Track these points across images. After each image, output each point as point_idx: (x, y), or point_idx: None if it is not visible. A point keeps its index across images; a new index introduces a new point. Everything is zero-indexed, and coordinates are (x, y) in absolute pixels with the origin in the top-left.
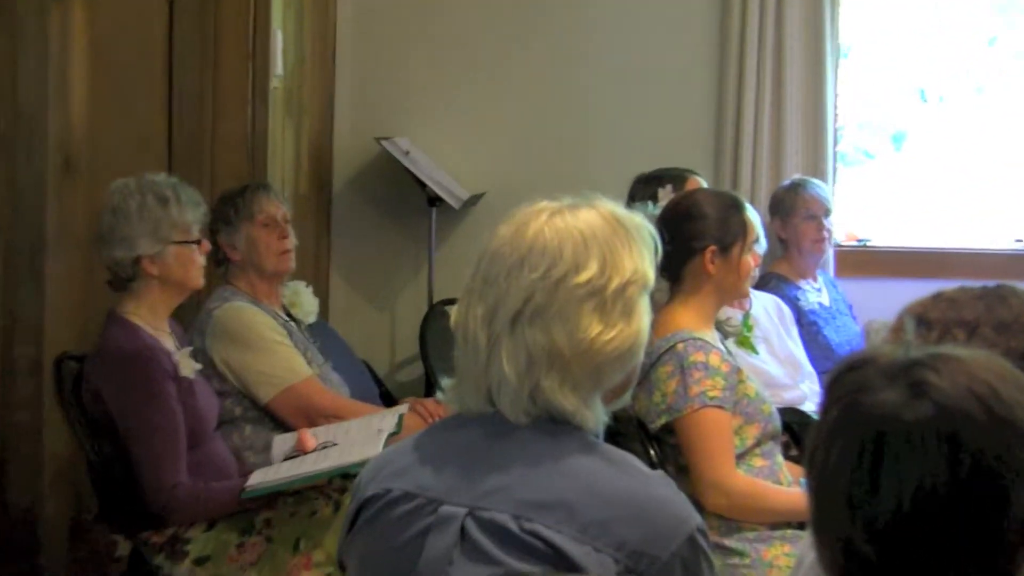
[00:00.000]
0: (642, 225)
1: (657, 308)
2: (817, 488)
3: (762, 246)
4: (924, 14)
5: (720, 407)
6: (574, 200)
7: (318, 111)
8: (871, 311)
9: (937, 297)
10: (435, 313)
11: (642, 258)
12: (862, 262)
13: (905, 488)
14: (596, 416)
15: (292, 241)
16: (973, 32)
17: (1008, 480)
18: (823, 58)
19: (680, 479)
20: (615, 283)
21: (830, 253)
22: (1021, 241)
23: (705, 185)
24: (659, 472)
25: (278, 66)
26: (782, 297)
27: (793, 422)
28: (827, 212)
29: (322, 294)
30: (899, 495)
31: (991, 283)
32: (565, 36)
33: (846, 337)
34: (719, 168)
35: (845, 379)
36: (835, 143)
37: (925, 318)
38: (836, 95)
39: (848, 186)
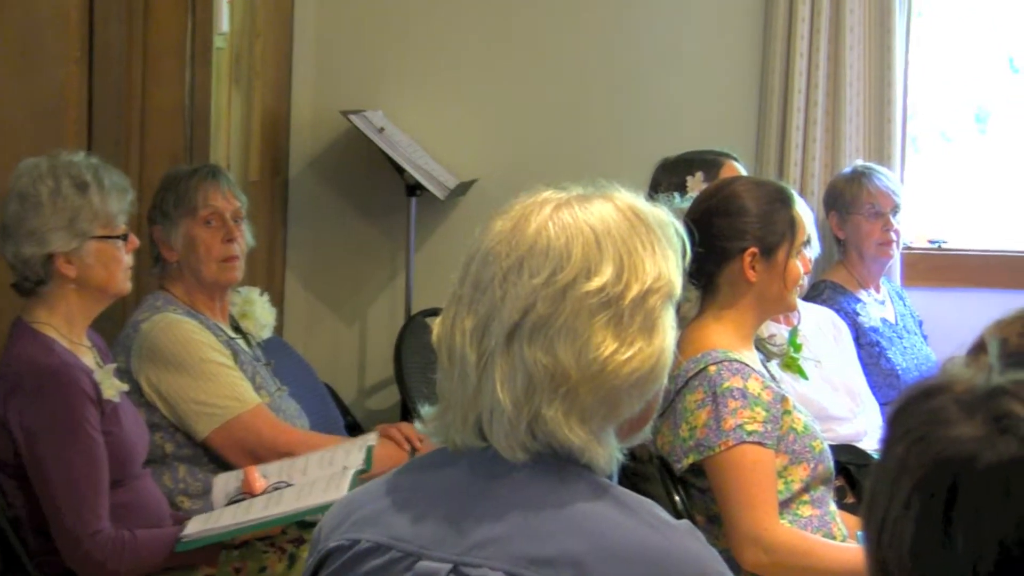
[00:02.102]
0: (668, 222)
1: (686, 323)
2: (877, 543)
3: (815, 249)
4: None
5: (761, 444)
6: (585, 190)
7: (272, 77)
8: (947, 329)
9: None
10: (414, 326)
11: (667, 261)
12: (937, 269)
13: (986, 544)
14: (609, 453)
15: (242, 246)
16: None
17: None
18: (891, 19)
19: (712, 531)
20: (634, 291)
21: (897, 258)
22: None
23: (744, 173)
24: (685, 522)
25: (223, 21)
26: (838, 311)
27: (850, 463)
28: (895, 208)
29: (275, 303)
30: (978, 552)
31: None
32: None
33: (915, 360)
34: (762, 153)
35: (913, 410)
36: (905, 123)
37: (1019, 355)
38: (907, 65)
39: (921, 176)
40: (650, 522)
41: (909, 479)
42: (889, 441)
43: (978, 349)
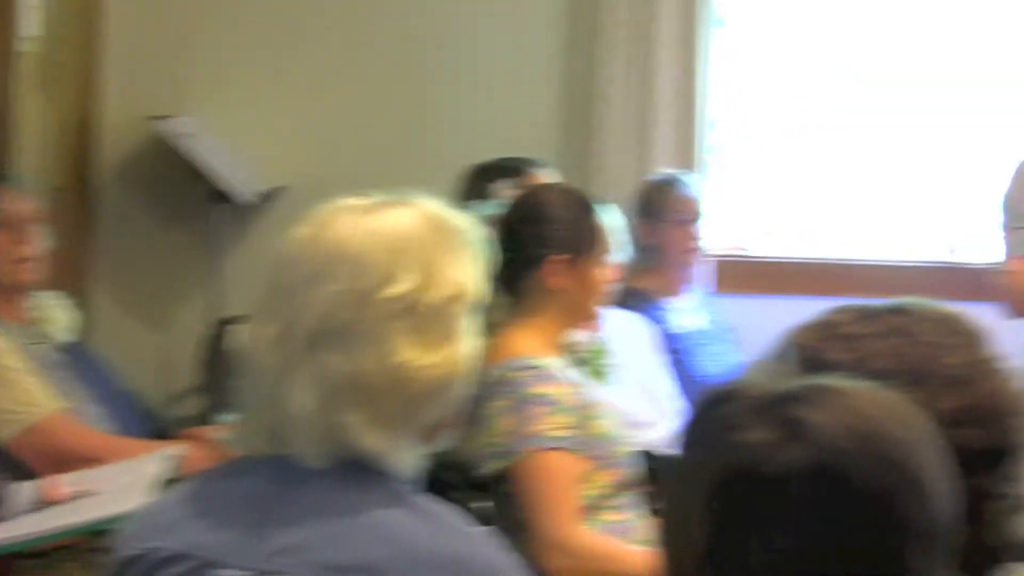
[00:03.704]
0: (471, 229)
1: (494, 329)
2: (672, 546)
3: (623, 255)
4: None
5: (564, 450)
6: (387, 198)
7: (80, 83)
8: (756, 335)
9: (828, 329)
10: (221, 333)
11: (469, 269)
12: (747, 276)
13: (776, 544)
14: (410, 459)
15: (35, 248)
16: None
17: (898, 534)
18: (695, 27)
19: (518, 537)
20: (434, 298)
21: (707, 265)
22: (954, 252)
23: (552, 180)
24: (485, 529)
25: (28, 25)
26: (646, 317)
27: (658, 468)
28: (701, 215)
29: (82, 309)
30: (769, 552)
31: (893, 303)
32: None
33: (723, 367)
34: (570, 160)
35: (707, 415)
36: (708, 131)
37: (818, 360)
38: (711, 74)
39: (730, 184)
40: (449, 529)
41: (703, 483)
42: (685, 446)
43: (778, 355)
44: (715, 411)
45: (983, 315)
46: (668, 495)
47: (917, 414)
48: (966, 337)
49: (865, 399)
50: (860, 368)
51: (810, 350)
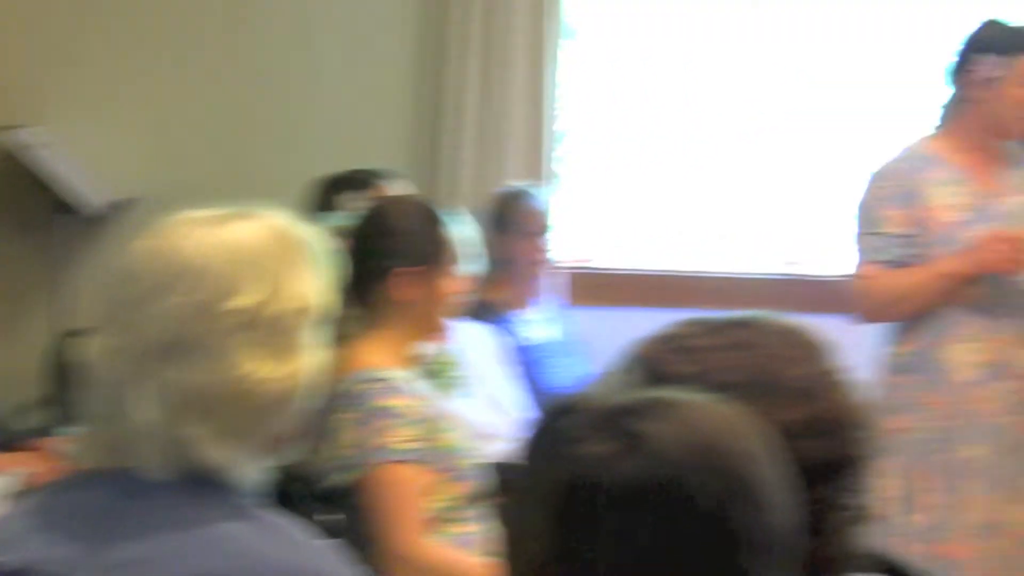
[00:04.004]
0: (317, 241)
1: (343, 342)
2: (514, 559)
3: (473, 267)
4: None
5: (411, 462)
6: (232, 210)
7: None
8: (608, 347)
9: (672, 342)
10: (67, 345)
11: (313, 281)
12: (597, 288)
13: (615, 556)
14: (254, 472)
15: None
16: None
17: (735, 546)
18: (543, 37)
19: (365, 550)
20: (277, 311)
21: (559, 278)
22: (793, 264)
23: (401, 192)
24: (331, 542)
25: None
26: (495, 329)
27: (508, 479)
28: (551, 228)
29: None
30: (609, 564)
31: (737, 316)
32: (243, 10)
33: (574, 379)
34: (421, 172)
35: (548, 428)
36: (558, 144)
37: (662, 373)
38: (558, 87)
39: (579, 196)
40: (292, 542)
41: (543, 496)
42: (526, 458)
43: (622, 368)
44: (555, 424)
45: (828, 327)
46: (509, 507)
47: (756, 427)
48: (809, 350)
49: (704, 412)
50: (704, 381)
51: (654, 363)
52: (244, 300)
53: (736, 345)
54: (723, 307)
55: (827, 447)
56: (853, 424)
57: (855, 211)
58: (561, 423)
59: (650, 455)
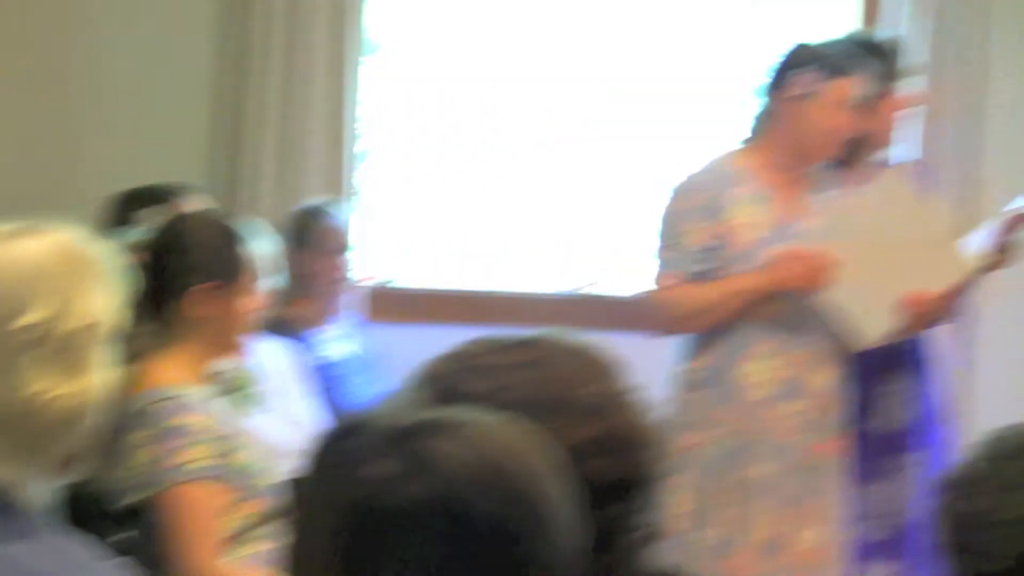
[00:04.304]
0: (109, 257)
1: (137, 359)
2: None
3: (272, 284)
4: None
5: (205, 481)
6: (18, 226)
7: None
8: (407, 365)
9: (463, 360)
10: None
11: (106, 298)
12: (397, 305)
13: None
14: (42, 491)
15: None
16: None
17: (521, 566)
18: (344, 51)
19: (158, 570)
20: (67, 329)
21: (359, 294)
22: (591, 282)
23: (201, 207)
24: (121, 561)
25: None
26: (294, 346)
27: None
28: (350, 245)
29: None
30: None
31: (528, 335)
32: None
33: (373, 396)
34: (220, 187)
35: (333, 448)
36: (359, 160)
37: (453, 392)
38: (359, 103)
39: (382, 213)
40: (78, 562)
41: (330, 516)
42: (311, 478)
43: (413, 386)
44: (340, 444)
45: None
46: (296, 526)
47: (543, 446)
48: (600, 368)
49: (490, 432)
50: (495, 399)
51: (445, 381)
52: (32, 318)
53: (527, 364)
54: (520, 325)
55: (618, 466)
56: (644, 443)
57: (657, 224)
58: (346, 443)
59: (436, 476)
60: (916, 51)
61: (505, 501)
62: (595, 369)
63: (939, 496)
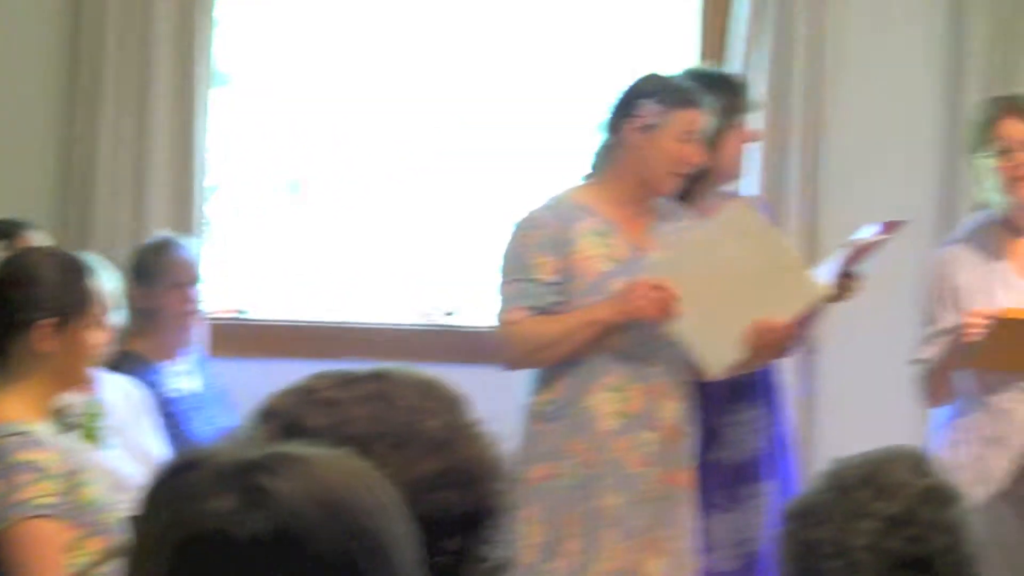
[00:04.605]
0: None
1: None
2: None
3: (118, 319)
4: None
5: (51, 517)
6: None
7: None
8: (253, 399)
9: (306, 394)
10: None
11: None
12: (242, 339)
13: None
14: None
15: None
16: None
17: None
18: (192, 83)
19: None
20: None
21: (205, 328)
22: (451, 315)
23: (43, 243)
24: None
25: None
26: (140, 381)
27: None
28: (196, 279)
29: None
30: None
31: (373, 368)
32: None
33: (218, 430)
34: (66, 221)
35: (171, 483)
36: (207, 192)
37: (297, 426)
38: (208, 132)
39: (229, 246)
40: None
41: (165, 552)
42: (147, 513)
43: (256, 421)
44: (178, 479)
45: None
46: (132, 562)
47: (383, 481)
48: (445, 402)
49: (329, 467)
50: (339, 433)
51: (288, 416)
52: None
53: (371, 397)
54: (372, 358)
55: (465, 498)
56: (491, 475)
57: (501, 258)
58: (184, 478)
59: (274, 511)
60: (756, 86)
61: (345, 536)
62: (440, 402)
63: (782, 526)
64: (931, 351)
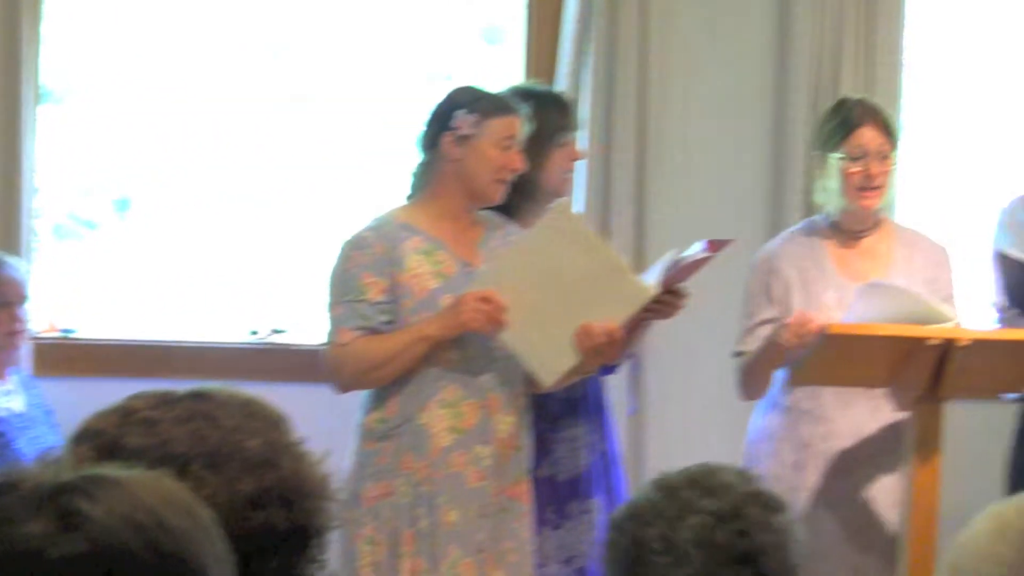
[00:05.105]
0: None
1: None
2: None
3: None
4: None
5: None
6: None
7: None
8: (79, 419)
9: (126, 414)
10: None
11: None
12: (67, 358)
13: None
14: None
15: None
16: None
17: None
18: (19, 103)
19: None
20: None
21: (29, 347)
22: (256, 334)
23: None
24: None
25: None
26: None
27: None
28: (23, 298)
29: None
30: None
31: (195, 388)
32: None
33: (42, 450)
34: None
35: None
36: (35, 212)
37: (116, 446)
38: (35, 150)
39: (54, 264)
40: None
41: None
42: None
43: (74, 441)
44: None
45: (309, 396)
46: None
47: (199, 503)
48: (267, 421)
49: (144, 489)
50: (158, 453)
51: (107, 436)
52: None
53: (191, 417)
54: (200, 377)
55: (289, 516)
56: (316, 493)
57: (329, 280)
58: None
59: (89, 534)
60: (582, 105)
61: (160, 559)
62: (262, 421)
63: (608, 532)
64: (751, 343)
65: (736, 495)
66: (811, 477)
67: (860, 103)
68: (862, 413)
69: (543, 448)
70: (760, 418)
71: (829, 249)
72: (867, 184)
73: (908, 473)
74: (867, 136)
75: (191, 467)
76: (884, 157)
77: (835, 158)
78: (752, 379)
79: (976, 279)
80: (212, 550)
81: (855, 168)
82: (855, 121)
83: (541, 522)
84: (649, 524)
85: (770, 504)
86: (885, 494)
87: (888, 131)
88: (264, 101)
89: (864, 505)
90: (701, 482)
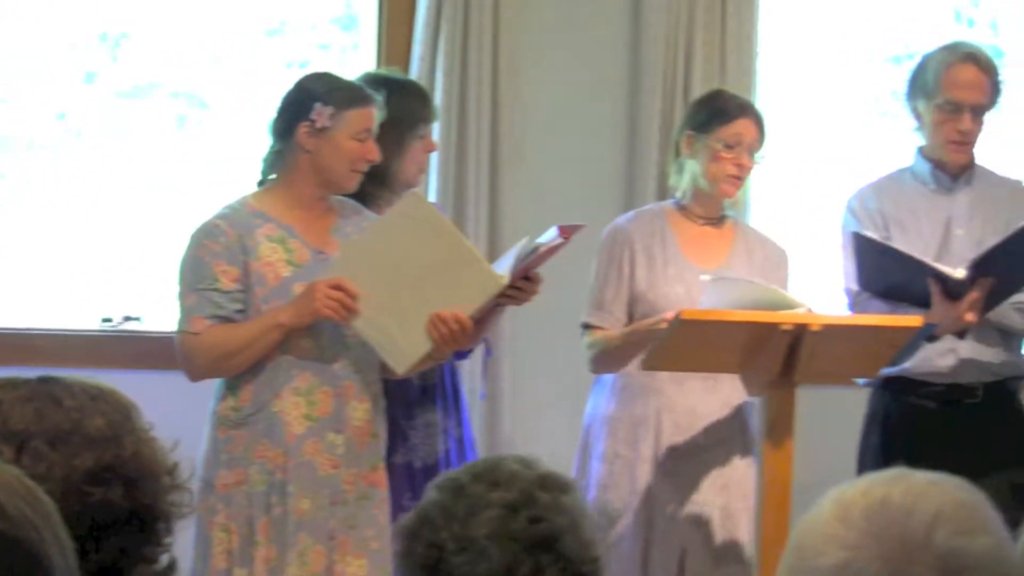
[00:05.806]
0: None
1: None
2: None
3: None
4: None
5: None
6: None
7: None
8: None
9: None
10: None
11: None
12: None
13: None
14: None
15: None
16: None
17: None
18: None
19: None
20: None
21: None
22: (109, 321)
23: None
24: None
25: None
26: None
27: None
28: None
29: None
30: None
31: (43, 375)
32: None
33: None
34: None
35: None
36: None
37: None
38: None
39: None
40: None
41: None
42: None
43: None
44: None
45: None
46: None
47: (37, 490)
48: (115, 405)
49: None
50: (1, 430)
51: None
52: None
53: (36, 397)
54: (52, 365)
55: (130, 497)
56: (156, 475)
57: (179, 269)
58: None
59: None
60: (437, 94)
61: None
62: (109, 404)
63: (402, 542)
64: (601, 318)
65: (523, 482)
66: (646, 451)
67: (738, 98)
68: (695, 389)
69: (399, 435)
70: (596, 398)
71: (675, 229)
72: (734, 173)
73: (761, 457)
74: (745, 128)
75: (31, 443)
76: (753, 153)
77: (709, 140)
78: (612, 361)
79: (824, 268)
80: (52, 536)
81: (728, 155)
82: (736, 111)
83: (398, 508)
84: (441, 527)
85: (558, 485)
86: (718, 473)
87: (762, 131)
88: (111, 88)
89: (698, 482)
90: (486, 476)
